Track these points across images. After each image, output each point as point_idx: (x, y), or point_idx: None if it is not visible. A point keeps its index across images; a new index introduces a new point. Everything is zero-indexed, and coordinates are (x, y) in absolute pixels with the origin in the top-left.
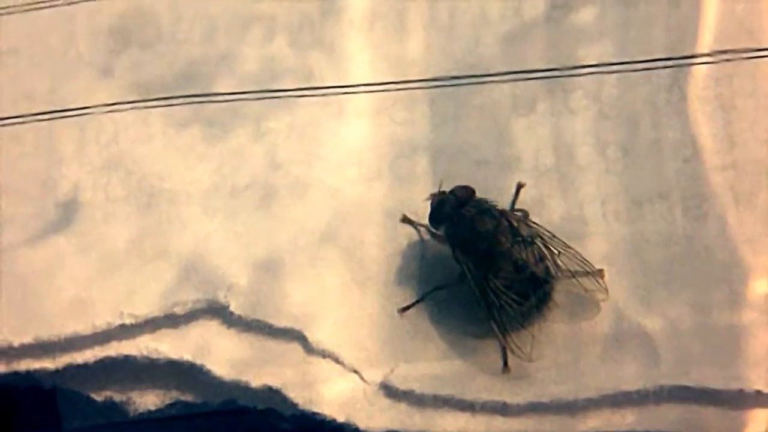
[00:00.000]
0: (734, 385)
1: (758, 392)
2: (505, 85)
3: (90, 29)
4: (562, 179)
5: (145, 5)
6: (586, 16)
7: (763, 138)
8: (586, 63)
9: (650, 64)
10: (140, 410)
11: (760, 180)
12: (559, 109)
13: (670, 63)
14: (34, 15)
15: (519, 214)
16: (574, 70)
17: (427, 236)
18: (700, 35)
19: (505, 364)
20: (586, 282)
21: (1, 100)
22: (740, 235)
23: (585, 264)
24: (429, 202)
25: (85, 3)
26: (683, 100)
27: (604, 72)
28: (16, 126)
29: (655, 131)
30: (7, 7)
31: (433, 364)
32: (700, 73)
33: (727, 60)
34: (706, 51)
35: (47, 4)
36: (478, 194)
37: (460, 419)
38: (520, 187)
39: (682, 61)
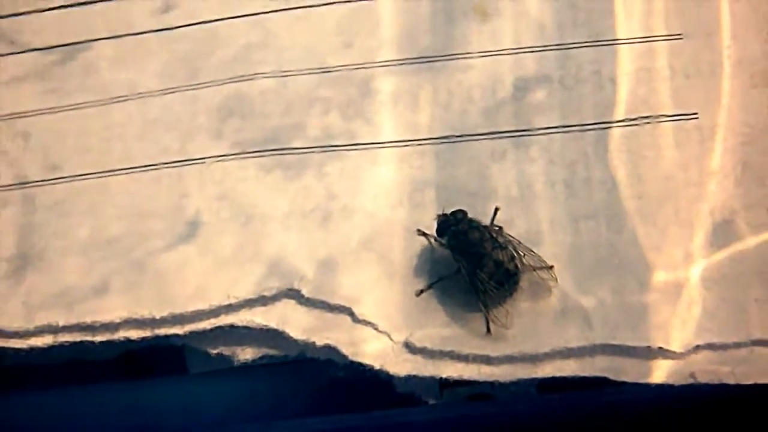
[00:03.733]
0: (644, 343)
1: (660, 348)
2: (485, 142)
3: (207, 106)
4: (525, 205)
5: (243, 91)
6: (539, 95)
7: (660, 176)
8: (539, 127)
9: (583, 127)
10: (241, 360)
11: (660, 205)
12: (522, 158)
13: (596, 127)
14: (169, 97)
15: (496, 228)
16: (531, 131)
17: (435, 244)
18: (616, 108)
19: (488, 329)
20: (542, 274)
21: (146, 153)
22: (646, 243)
23: (541, 262)
24: (435, 221)
25: (203, 90)
26: (605, 151)
27: (552, 133)
28: (157, 172)
29: (587, 172)
30: (151, 92)
31: (439, 330)
32: (616, 133)
33: (635, 125)
34: (620, 118)
35: (178, 90)
36: (470, 215)
37: (458, 367)
38: (496, 210)
39: (604, 125)
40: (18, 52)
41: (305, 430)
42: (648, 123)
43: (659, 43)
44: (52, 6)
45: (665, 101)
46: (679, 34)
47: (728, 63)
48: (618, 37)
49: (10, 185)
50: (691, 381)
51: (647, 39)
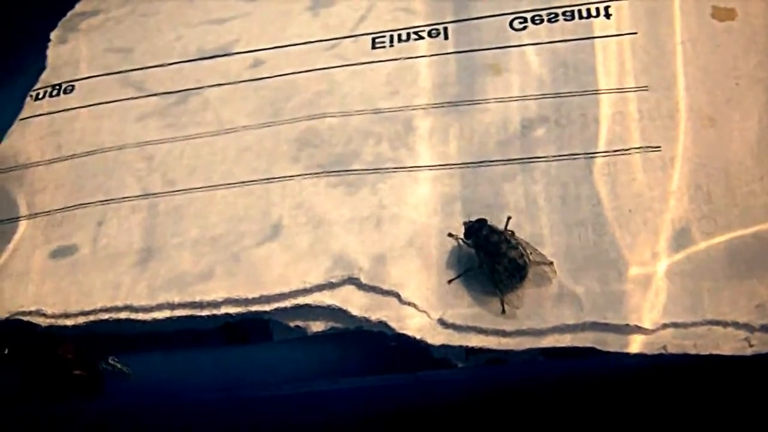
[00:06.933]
0: (623, 321)
1: (636, 325)
2: (499, 167)
3: (287, 138)
4: (530, 215)
5: (314, 127)
6: (540, 132)
7: (633, 194)
8: (541, 155)
9: (573, 156)
10: (313, 331)
11: (632, 216)
12: (527, 179)
13: (583, 156)
14: (259, 131)
15: (509, 232)
16: (534, 159)
17: (462, 244)
18: (599, 142)
19: (503, 310)
20: (544, 267)
21: (242, 173)
22: (623, 245)
23: (543, 258)
24: (463, 227)
25: (284, 126)
26: (591, 174)
27: (551, 161)
28: (250, 187)
29: (577, 190)
30: (245, 126)
31: (465, 309)
32: (599, 161)
33: (613, 155)
34: (602, 150)
35: (265, 126)
36: (489, 222)
37: (480, 338)
38: (509, 219)
39: (590, 155)
40: (144, 96)
41: (362, 385)
42: (623, 154)
43: (630, 93)
44: (169, 62)
45: (635, 137)
46: (645, 86)
47: (683, 109)
48: (599, 88)
49: (139, 196)
50: (662, 352)
51: (621, 90)
